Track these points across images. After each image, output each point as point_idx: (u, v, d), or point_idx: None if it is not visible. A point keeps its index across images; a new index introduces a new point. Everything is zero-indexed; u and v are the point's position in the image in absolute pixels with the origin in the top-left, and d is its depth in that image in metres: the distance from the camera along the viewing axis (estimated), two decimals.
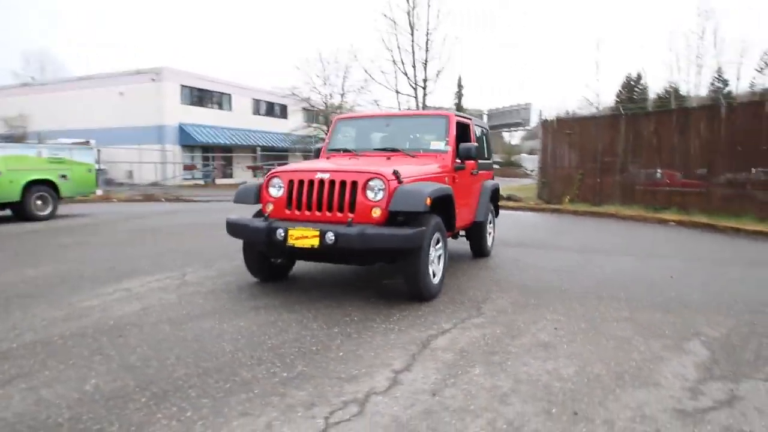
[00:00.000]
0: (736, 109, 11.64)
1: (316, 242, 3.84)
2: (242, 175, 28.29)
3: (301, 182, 4.18)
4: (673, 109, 15.97)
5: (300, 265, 5.17)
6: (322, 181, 4.10)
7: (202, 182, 25.80)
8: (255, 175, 27.60)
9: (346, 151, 5.36)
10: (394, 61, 19.41)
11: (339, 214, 4.01)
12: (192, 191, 19.49)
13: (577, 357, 3.01)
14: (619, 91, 46.15)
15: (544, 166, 15.53)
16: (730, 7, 48.37)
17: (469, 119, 5.83)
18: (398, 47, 19.04)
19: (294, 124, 28.96)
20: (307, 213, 4.12)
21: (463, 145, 5.06)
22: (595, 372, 2.80)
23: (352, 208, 3.98)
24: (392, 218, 3.99)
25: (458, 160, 5.10)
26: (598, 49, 66.68)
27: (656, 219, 11.12)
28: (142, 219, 10.12)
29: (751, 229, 9.20)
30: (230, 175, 28.57)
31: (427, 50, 18.77)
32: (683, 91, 42.09)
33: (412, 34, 18.53)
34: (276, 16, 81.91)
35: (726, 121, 11.34)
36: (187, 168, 25.35)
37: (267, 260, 4.67)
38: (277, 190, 4.30)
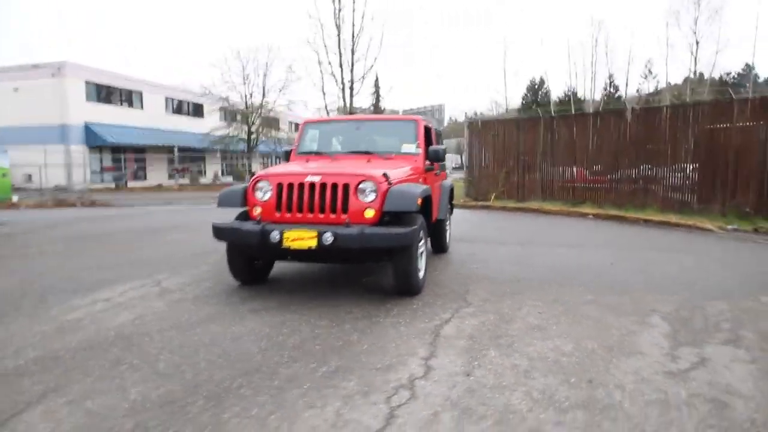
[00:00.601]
0: (640, 114, 13.09)
1: (313, 243, 3.96)
2: (157, 177, 26.81)
3: (290, 185, 4.26)
4: (587, 113, 17.46)
5: (276, 268, 5.20)
6: (312, 184, 4.22)
7: (113, 185, 24.11)
8: (170, 176, 26.29)
9: (317, 153, 5.48)
10: (319, 61, 19.45)
11: (332, 216, 4.15)
12: (106, 195, 18.22)
13: (569, 336, 3.42)
14: (525, 94, 49.44)
15: (471, 166, 16.38)
16: (618, 19, 53.59)
17: (431, 123, 6.17)
18: (325, 48, 19.13)
19: (211, 123, 27.94)
20: (299, 215, 4.22)
21: (432, 148, 5.39)
22: (589, 347, 3.22)
23: (344, 209, 4.14)
24: (380, 218, 4.20)
25: (427, 162, 5.41)
26: (506, 55, 70.91)
27: (577, 213, 12.23)
28: (70, 226, 9.43)
29: (657, 220, 10.47)
30: (143, 178, 26.94)
31: (353, 52, 19.01)
32: (580, 95, 46.09)
33: (339, 36, 18.69)
34: (191, 11, 77.91)
35: (631, 125, 12.73)
36: (108, 169, 23.58)
37: (252, 263, 4.69)
38: (263, 194, 4.35)
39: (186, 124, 29.99)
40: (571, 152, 14.17)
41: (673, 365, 2.94)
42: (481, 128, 16.23)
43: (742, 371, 2.87)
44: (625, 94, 45.34)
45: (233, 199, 4.47)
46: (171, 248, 6.82)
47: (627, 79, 53.90)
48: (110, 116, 24.84)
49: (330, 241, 3.92)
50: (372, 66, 19.65)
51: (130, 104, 27.12)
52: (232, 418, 2.25)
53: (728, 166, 10.96)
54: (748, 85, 44.32)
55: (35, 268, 5.47)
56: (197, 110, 30.98)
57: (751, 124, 10.65)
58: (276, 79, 26.33)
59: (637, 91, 45.53)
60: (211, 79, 28.94)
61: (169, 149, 25.78)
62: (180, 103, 30.44)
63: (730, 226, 9.66)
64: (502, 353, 3.09)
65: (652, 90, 45.35)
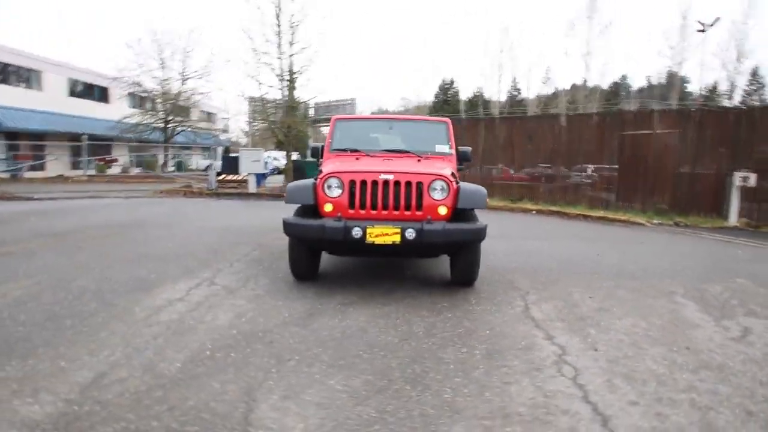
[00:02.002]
0: (572, 118, 14.54)
1: (397, 239, 4.22)
2: (56, 167, 24.28)
3: (363, 183, 4.45)
4: (526, 116, 18.86)
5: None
6: (386, 182, 4.45)
7: (7, 176, 21.42)
8: (99, 168, 23.89)
9: (353, 151, 5.65)
10: (254, 49, 18.89)
11: (406, 213, 4.42)
12: (5, 187, 16.25)
13: (633, 315, 4.05)
14: (437, 93, 51.50)
15: None
16: (523, 26, 57.75)
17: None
18: (264, 37, 18.61)
19: (120, 109, 25.83)
20: (372, 212, 4.43)
21: (461, 149, 5.82)
22: (657, 323, 3.86)
23: (419, 206, 4.43)
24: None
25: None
26: (425, 52, 72.97)
27: (519, 209, 13.34)
28: (21, 223, 8.48)
29: (596, 216, 11.82)
30: (41, 168, 24.21)
31: (291, 43, 18.73)
32: (487, 96, 48.99)
33: (279, 25, 18.29)
34: None
35: (565, 129, 14.11)
36: (21, 158, 20.75)
37: (315, 260, 4.79)
38: (334, 191, 4.48)
39: (90, 109, 27.36)
40: (509, 152, 15.33)
41: (729, 333, 3.65)
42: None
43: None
44: (528, 95, 49.11)
45: (304, 195, 4.55)
46: (174, 244, 6.54)
47: (528, 83, 58.23)
48: (5, 98, 22.00)
49: (413, 237, 4.20)
50: (312, 58, 19.45)
51: (28, 85, 24.19)
52: (456, 397, 2.52)
53: (647, 168, 12.64)
54: (623, 93, 50.04)
55: (55, 268, 5.04)
56: (102, 94, 28.40)
57: (667, 132, 12.39)
58: (199, 65, 24.92)
59: (537, 95, 49.31)
60: (125, 61, 26.58)
61: (75, 136, 23.41)
62: (86, 85, 27.69)
63: (655, 221, 11.22)
64: (599, 331, 3.61)
65: (550, 94, 49.42)
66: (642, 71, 69.36)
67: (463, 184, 4.59)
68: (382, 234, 4.23)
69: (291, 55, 18.79)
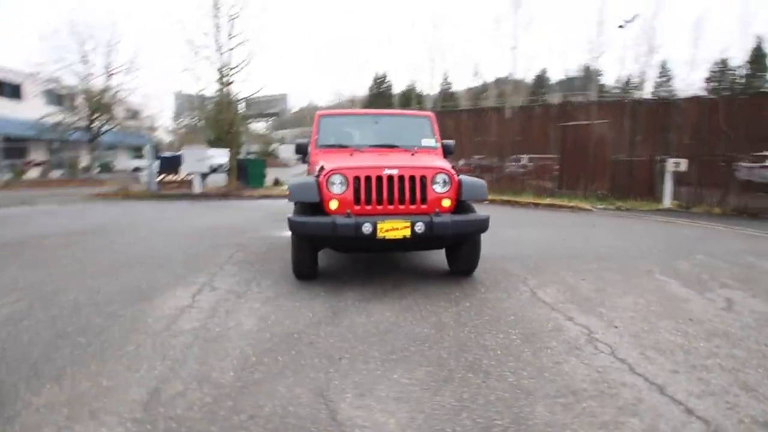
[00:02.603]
0: (517, 111, 15.19)
1: (407, 233, 4.29)
2: None
3: (368, 178, 4.47)
4: (470, 108, 19.36)
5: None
6: (390, 177, 4.50)
7: None
8: (18, 172, 21.75)
9: (341, 146, 5.63)
10: (191, 42, 18.09)
11: (411, 207, 4.50)
12: None
13: (627, 294, 4.38)
14: (371, 86, 51.66)
15: None
16: (454, 20, 59.17)
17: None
18: (208, 31, 17.83)
19: (37, 108, 23.79)
20: (379, 207, 4.47)
21: (445, 142, 5.96)
22: (653, 299, 4.20)
23: (423, 200, 4.52)
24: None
25: None
26: (357, 46, 72.69)
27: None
28: None
29: (544, 203, 12.48)
30: None
31: (231, 36, 18.09)
32: (420, 90, 49.80)
33: (217, 17, 17.60)
34: None
35: (510, 121, 14.73)
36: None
37: (316, 259, 4.74)
38: (339, 187, 4.47)
39: (1, 107, 24.94)
40: (456, 144, 15.74)
41: (716, 305, 4.05)
42: None
43: (755, 302, 4.10)
44: (459, 88, 50.48)
45: (308, 193, 4.49)
46: (148, 250, 6.20)
47: (459, 76, 59.85)
48: None
49: (422, 230, 4.29)
50: (253, 52, 18.88)
51: None
52: (520, 380, 2.64)
53: (588, 156, 13.49)
54: (543, 88, 52.64)
55: (31, 281, 4.63)
56: (18, 92, 25.97)
57: (605, 122, 13.27)
58: (127, 58, 23.39)
59: (468, 88, 50.82)
60: (41, 55, 24.44)
61: None
62: None
63: (599, 206, 12.02)
64: (609, 310, 3.88)
65: (480, 87, 51.05)
66: (565, 65, 73.33)
67: (463, 177, 4.72)
68: (393, 228, 4.28)
69: (230, 49, 18.16)
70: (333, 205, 4.45)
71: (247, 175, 18.80)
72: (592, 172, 13.44)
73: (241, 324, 3.55)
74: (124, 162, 31.18)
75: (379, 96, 48.94)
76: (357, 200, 4.46)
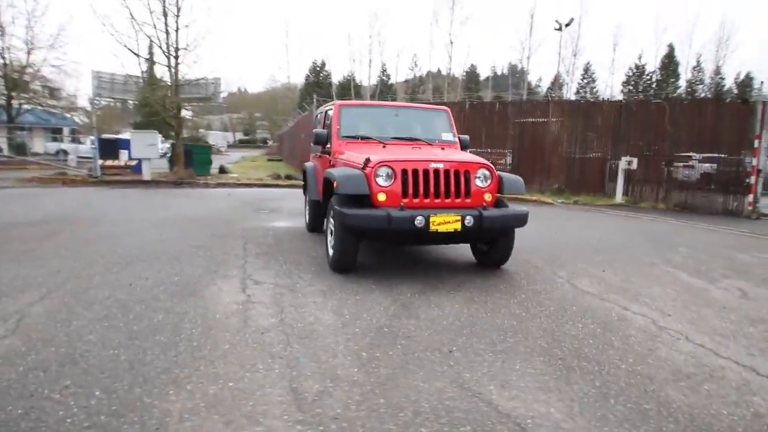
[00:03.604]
0: (476, 106, 15.62)
1: (458, 226, 4.37)
2: None
3: (415, 171, 4.49)
4: (432, 101, 19.50)
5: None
6: (436, 171, 4.55)
7: None
8: None
9: (364, 138, 5.58)
10: (132, 17, 16.81)
11: (457, 200, 4.58)
12: None
13: (653, 284, 4.74)
14: (307, 74, 50.74)
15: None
16: (391, 13, 59.25)
17: None
18: (147, 6, 16.61)
19: None
20: (426, 201, 4.51)
21: (461, 137, 6.07)
22: (677, 289, 4.59)
23: (467, 194, 4.61)
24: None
25: None
26: (287, 35, 70.46)
27: None
28: None
29: (510, 196, 12.99)
30: None
31: (177, 15, 17.02)
32: (359, 80, 49.69)
33: None
34: None
35: (468, 116, 15.13)
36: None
37: (357, 252, 4.69)
38: (386, 180, 4.46)
39: None
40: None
41: (733, 293, 4.51)
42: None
43: (761, 291, 4.60)
44: (396, 80, 50.90)
45: (358, 184, 4.42)
46: (148, 242, 5.79)
47: (397, 69, 60.22)
48: None
49: (471, 224, 4.39)
50: (202, 34, 17.83)
51: None
52: (635, 366, 2.82)
53: (544, 153, 14.21)
54: (472, 84, 54.47)
55: (43, 277, 4.18)
56: None
57: (560, 120, 14.02)
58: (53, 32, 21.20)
59: (406, 81, 51.40)
60: None
61: None
62: None
63: (559, 201, 12.73)
64: (650, 300, 4.20)
65: (417, 80, 51.82)
66: (495, 62, 75.98)
67: (501, 173, 4.86)
68: (445, 222, 4.34)
69: (176, 30, 17.10)
70: (381, 197, 4.43)
71: (192, 161, 17.88)
72: (548, 168, 14.17)
73: (320, 319, 3.46)
74: (41, 145, 28.45)
75: (317, 85, 48.26)
76: (405, 193, 4.46)
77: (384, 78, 49.41)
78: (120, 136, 22.43)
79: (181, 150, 17.34)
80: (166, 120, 19.08)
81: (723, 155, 11.85)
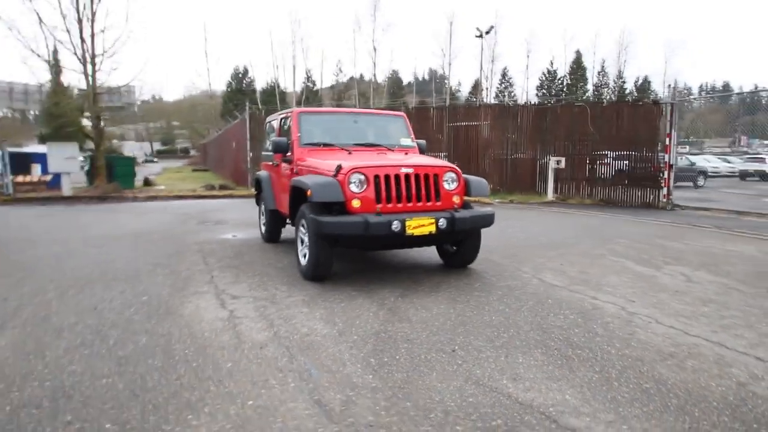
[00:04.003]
0: (412, 112, 15.94)
1: (433, 228, 4.49)
2: None
3: (387, 177, 4.56)
4: (372, 109, 19.49)
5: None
6: (407, 176, 4.64)
7: None
8: None
9: (326, 145, 5.57)
10: (41, 20, 15.57)
11: (428, 204, 4.70)
12: None
13: (608, 274, 5.11)
14: (229, 81, 49.24)
15: (254, 157, 16.37)
16: (315, 20, 58.89)
17: None
18: (61, 11, 15.42)
19: None
20: (399, 205, 4.59)
21: (419, 142, 6.21)
22: (630, 277, 4.98)
23: (437, 197, 4.74)
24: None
25: None
26: (207, 42, 67.84)
27: None
28: None
29: None
30: None
31: (92, 20, 15.97)
32: (283, 87, 48.99)
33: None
34: None
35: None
36: None
37: (332, 259, 4.66)
38: (359, 186, 4.50)
39: None
40: None
41: (679, 279, 4.96)
42: (264, 118, 16.36)
43: (701, 274, 5.11)
44: (321, 86, 50.69)
45: (332, 192, 4.41)
46: (102, 262, 5.40)
47: (321, 75, 59.95)
48: None
49: (444, 226, 4.53)
50: (121, 40, 16.83)
51: None
52: (643, 351, 3.05)
53: (478, 154, 14.79)
54: (395, 88, 55.52)
55: (16, 303, 3.78)
56: None
57: (491, 123, 14.67)
58: None
59: (332, 87, 51.38)
60: None
61: None
62: None
63: (496, 200, 13.30)
64: (612, 288, 4.53)
65: (342, 86, 51.94)
66: (417, 68, 77.59)
67: (467, 176, 5.03)
68: (420, 225, 4.44)
69: (92, 35, 16.05)
70: (355, 203, 4.44)
71: (113, 174, 16.82)
72: (482, 169, 14.75)
73: (314, 329, 3.42)
74: None
75: (240, 92, 47.00)
76: (378, 199, 4.51)
77: (309, 84, 49.07)
78: (27, 149, 20.61)
79: (102, 162, 16.26)
80: (83, 131, 17.83)
81: (634, 152, 12.93)
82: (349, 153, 5.28)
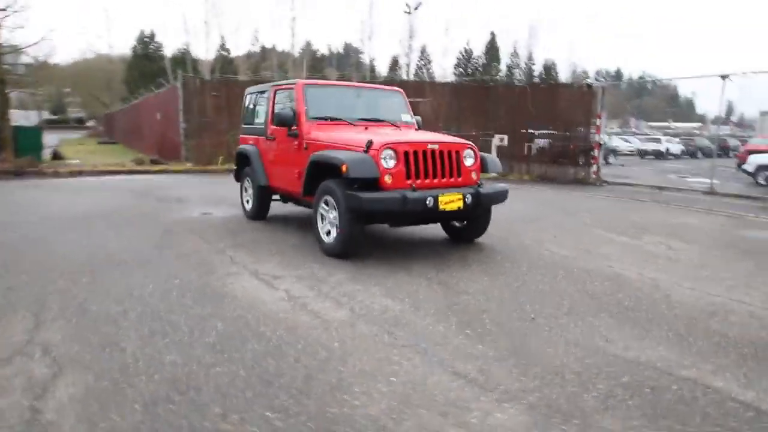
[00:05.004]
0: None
1: (461, 204, 4.64)
2: None
3: (415, 153, 4.62)
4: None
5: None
6: (433, 152, 4.73)
7: None
8: None
9: (332, 119, 5.46)
10: None
11: (451, 179, 4.82)
12: None
13: (606, 244, 5.59)
14: (135, 46, 45.13)
15: (189, 129, 15.37)
16: None
17: None
18: None
19: None
20: (426, 181, 4.67)
21: (417, 118, 6.28)
22: (619, 246, 5.49)
23: (459, 173, 4.88)
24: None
25: None
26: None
27: None
28: None
29: None
30: None
31: None
32: (196, 54, 45.80)
33: None
34: None
35: None
36: None
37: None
38: (389, 162, 4.51)
39: None
40: None
41: (661, 247, 5.54)
42: (199, 87, 15.37)
43: (678, 243, 5.74)
44: (237, 54, 48.07)
45: (368, 168, 4.37)
46: (79, 247, 4.91)
47: (237, 44, 56.83)
48: None
49: (470, 201, 4.69)
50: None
51: None
52: (667, 311, 3.42)
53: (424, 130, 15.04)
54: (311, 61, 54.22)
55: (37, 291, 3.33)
56: None
57: (437, 100, 14.95)
58: None
59: (248, 56, 49.00)
60: None
61: None
62: None
63: None
64: (618, 257, 4.98)
65: (259, 56, 49.64)
66: (340, 42, 76.04)
67: (482, 153, 5.20)
68: (450, 201, 4.55)
69: None
70: (388, 179, 4.45)
71: (17, 147, 14.98)
72: None
73: (387, 306, 3.44)
74: None
75: (146, 57, 43.32)
76: (408, 174, 4.54)
77: (224, 53, 46.33)
78: None
79: (8, 134, 14.42)
80: None
81: (568, 132, 13.89)
82: (366, 128, 5.21)
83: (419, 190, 4.46)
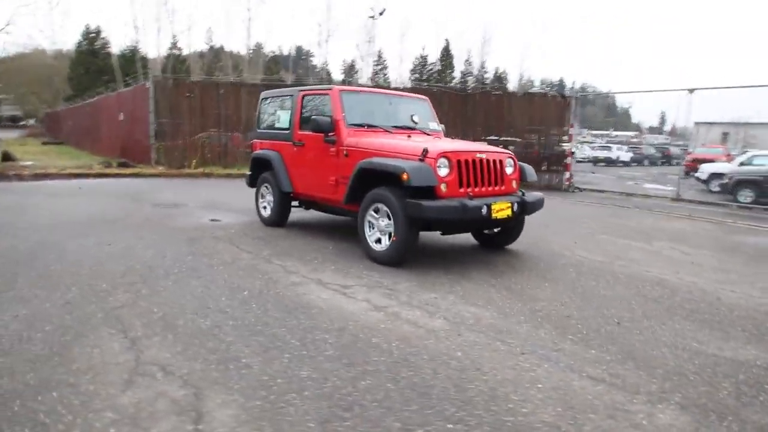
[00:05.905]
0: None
1: (510, 212, 4.80)
2: None
3: (467, 162, 4.72)
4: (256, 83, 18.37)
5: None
6: (482, 161, 4.84)
7: None
8: None
9: (370, 126, 5.47)
10: None
11: (497, 188, 4.96)
12: None
13: (621, 248, 5.89)
14: (80, 41, 42.71)
15: (161, 130, 14.76)
16: None
17: None
18: None
19: None
20: (476, 189, 4.78)
21: (441, 125, 6.38)
22: (639, 248, 5.81)
23: (502, 182, 5.01)
24: None
25: None
26: None
27: None
28: None
29: None
30: None
31: None
32: (144, 52, 43.94)
33: None
34: None
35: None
36: None
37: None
38: (443, 170, 4.59)
39: None
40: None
41: (677, 252, 5.91)
42: (172, 87, 14.78)
43: (686, 247, 6.14)
44: (190, 53, 46.49)
45: (427, 176, 4.41)
46: (105, 253, 4.64)
47: (190, 43, 54.86)
48: None
49: (517, 209, 4.84)
50: None
51: None
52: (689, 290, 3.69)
53: None
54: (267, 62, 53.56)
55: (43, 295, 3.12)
56: None
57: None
58: None
59: (201, 56, 47.56)
60: None
61: None
62: None
63: None
64: (647, 262, 5.26)
65: (212, 57, 48.22)
66: (296, 44, 74.71)
67: (520, 163, 5.34)
68: (501, 209, 4.68)
69: None
70: (443, 188, 4.52)
71: None
72: None
73: (478, 315, 3.47)
74: None
75: (92, 53, 41.11)
76: (461, 183, 4.63)
77: (176, 52, 44.68)
78: None
79: None
80: None
81: (542, 138, 14.45)
82: (408, 136, 5.25)
83: (475, 198, 4.55)
